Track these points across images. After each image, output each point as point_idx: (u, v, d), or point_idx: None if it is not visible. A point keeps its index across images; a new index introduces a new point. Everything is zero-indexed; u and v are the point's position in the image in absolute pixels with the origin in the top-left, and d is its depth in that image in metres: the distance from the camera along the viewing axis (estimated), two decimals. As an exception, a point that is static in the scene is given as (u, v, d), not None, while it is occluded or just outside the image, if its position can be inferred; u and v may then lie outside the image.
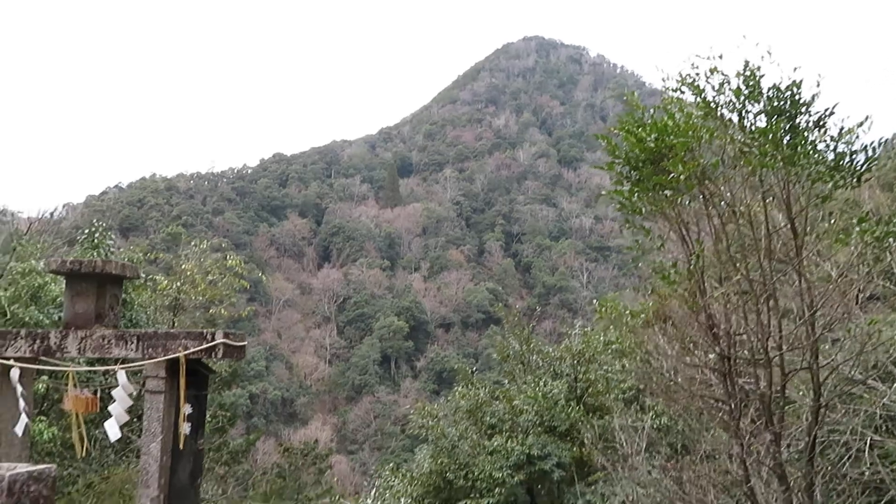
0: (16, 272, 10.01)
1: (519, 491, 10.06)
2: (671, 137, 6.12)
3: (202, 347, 5.70)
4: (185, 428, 5.78)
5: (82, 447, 6.26)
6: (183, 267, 11.93)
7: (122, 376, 5.81)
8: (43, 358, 6.20)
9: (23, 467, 5.19)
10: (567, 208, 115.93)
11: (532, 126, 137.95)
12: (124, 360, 6.31)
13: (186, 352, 5.71)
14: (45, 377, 9.51)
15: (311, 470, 22.40)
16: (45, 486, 5.28)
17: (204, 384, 6.00)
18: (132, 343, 5.84)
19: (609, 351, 10.81)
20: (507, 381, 12.18)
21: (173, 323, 11.79)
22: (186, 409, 5.74)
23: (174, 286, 11.55)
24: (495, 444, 10.23)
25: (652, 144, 6.17)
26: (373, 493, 13.28)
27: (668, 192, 6.07)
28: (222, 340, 5.71)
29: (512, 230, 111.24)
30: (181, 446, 5.65)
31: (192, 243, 13.00)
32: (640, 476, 8.39)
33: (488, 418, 11.01)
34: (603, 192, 6.97)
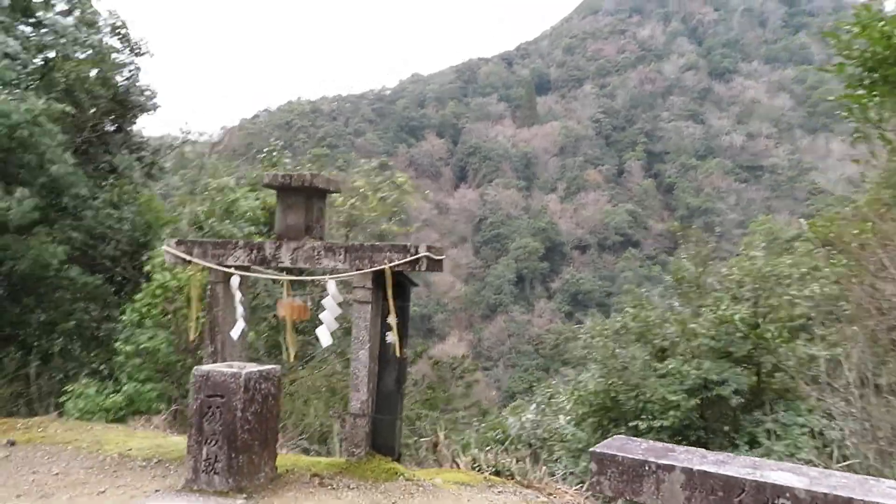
0: (212, 188, 10.79)
1: (693, 416, 9.85)
2: (926, 32, 5.30)
3: (407, 260, 5.82)
4: (390, 337, 6.00)
5: (294, 352, 6.71)
6: (356, 184, 12.36)
7: (331, 286, 6.08)
8: (255, 267, 6.62)
9: (254, 366, 5.61)
10: (716, 125, 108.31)
11: (680, 36, 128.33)
12: (321, 272, 6.60)
13: (392, 264, 5.85)
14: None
15: (458, 383, 23.31)
16: (272, 384, 5.69)
17: (406, 295, 6.16)
18: (340, 255, 6.06)
19: (796, 275, 10.10)
20: (678, 304, 11.81)
21: (347, 237, 12.32)
22: (391, 319, 5.94)
23: (348, 203, 12.03)
24: (669, 366, 10.01)
25: (900, 41, 5.39)
26: (532, 408, 13.51)
27: (918, 97, 5.32)
28: (426, 254, 5.79)
29: (654, 149, 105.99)
30: (397, 353, 5.89)
31: (362, 161, 13.43)
32: (833, 407, 7.87)
33: (659, 340, 10.77)
34: (830, 98, 6.26)
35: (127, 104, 12.03)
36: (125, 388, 8.82)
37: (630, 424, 9.92)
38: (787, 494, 3.58)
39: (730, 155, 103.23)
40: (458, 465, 7.31)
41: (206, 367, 5.44)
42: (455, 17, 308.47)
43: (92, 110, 11.25)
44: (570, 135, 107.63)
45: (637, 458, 4.14)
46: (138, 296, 9.57)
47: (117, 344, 9.29)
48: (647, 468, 4.08)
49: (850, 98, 5.79)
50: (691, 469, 3.91)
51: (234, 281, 6.35)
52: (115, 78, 11.84)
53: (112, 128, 11.98)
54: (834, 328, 8.20)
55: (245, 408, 5.25)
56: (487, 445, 9.22)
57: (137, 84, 12.20)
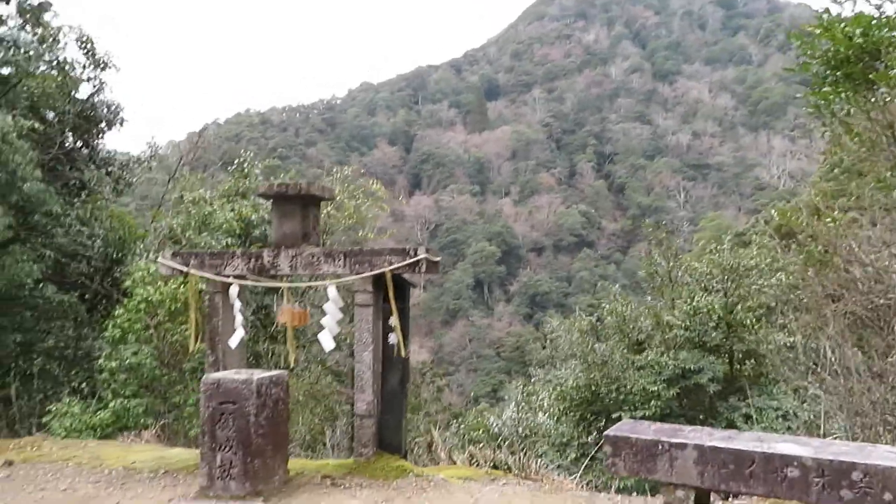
0: (187, 201, 10.72)
1: (673, 404, 10.23)
2: (884, 31, 5.73)
3: (407, 262, 5.96)
4: (393, 338, 6.14)
5: (294, 357, 6.77)
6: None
7: (332, 291, 6.18)
8: (250, 276, 6.66)
9: (262, 372, 5.69)
10: (662, 125, 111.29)
11: (624, 39, 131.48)
12: (320, 278, 6.67)
13: (392, 267, 5.99)
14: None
15: (429, 388, 23.53)
16: (281, 389, 5.78)
17: (406, 296, 6.30)
18: (339, 260, 6.17)
19: (762, 266, 10.59)
20: (649, 298, 12.23)
21: (323, 244, 12.33)
22: (394, 320, 6.07)
23: (324, 211, 12.03)
24: (648, 358, 10.38)
25: (860, 41, 5.80)
26: (511, 405, 13.76)
27: (881, 91, 5.74)
28: (425, 256, 5.95)
29: (604, 150, 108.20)
30: (402, 353, 6.02)
31: (334, 169, 13.53)
32: (805, 389, 8.30)
33: (635, 334, 11.14)
34: (798, 96, 6.66)
35: (93, 119, 11.85)
36: (111, 404, 8.71)
37: (613, 416, 10.25)
38: (796, 463, 3.84)
39: (677, 154, 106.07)
40: (454, 462, 7.47)
41: (215, 375, 5.48)
42: (402, 24, 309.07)
43: (57, 126, 11.05)
44: (521, 139, 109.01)
45: (650, 438, 4.37)
46: (118, 311, 9.44)
47: (100, 361, 9.15)
48: (660, 447, 4.32)
49: (817, 95, 6.18)
50: (703, 445, 4.16)
51: (234, 290, 6.39)
52: (79, 93, 11.66)
53: (78, 143, 11.78)
54: (800, 314, 8.64)
55: (258, 413, 5.32)
56: (480, 443, 9.41)
57: (103, 99, 12.04)
